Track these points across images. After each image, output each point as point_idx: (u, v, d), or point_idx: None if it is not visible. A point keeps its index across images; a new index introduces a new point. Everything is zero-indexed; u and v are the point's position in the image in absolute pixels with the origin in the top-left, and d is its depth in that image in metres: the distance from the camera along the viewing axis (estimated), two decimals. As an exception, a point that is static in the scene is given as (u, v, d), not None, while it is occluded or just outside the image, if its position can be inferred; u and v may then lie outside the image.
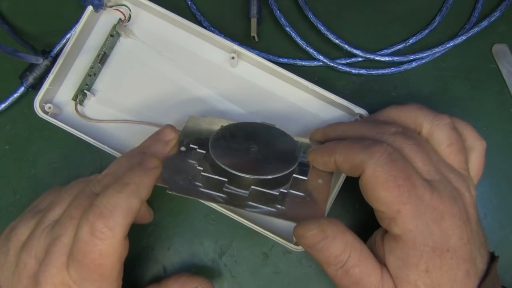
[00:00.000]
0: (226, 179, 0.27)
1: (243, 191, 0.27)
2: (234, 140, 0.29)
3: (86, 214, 0.23)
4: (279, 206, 0.27)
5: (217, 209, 0.30)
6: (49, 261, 0.23)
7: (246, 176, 0.26)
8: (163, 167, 0.27)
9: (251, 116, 0.33)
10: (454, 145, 0.26)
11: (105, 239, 0.23)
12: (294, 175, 0.28)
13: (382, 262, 0.24)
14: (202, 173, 0.28)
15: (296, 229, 0.25)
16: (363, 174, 0.24)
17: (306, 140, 0.31)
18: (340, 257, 0.24)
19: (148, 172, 0.25)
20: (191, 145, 0.29)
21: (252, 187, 0.27)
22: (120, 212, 0.23)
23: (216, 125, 0.31)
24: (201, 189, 0.27)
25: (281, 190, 0.27)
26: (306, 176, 0.28)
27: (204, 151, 0.29)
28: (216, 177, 0.27)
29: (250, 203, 0.27)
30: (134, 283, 0.31)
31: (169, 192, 0.26)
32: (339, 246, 0.24)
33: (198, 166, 0.28)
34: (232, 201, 0.27)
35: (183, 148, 0.29)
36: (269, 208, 0.27)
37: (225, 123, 0.31)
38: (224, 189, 0.27)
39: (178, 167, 0.28)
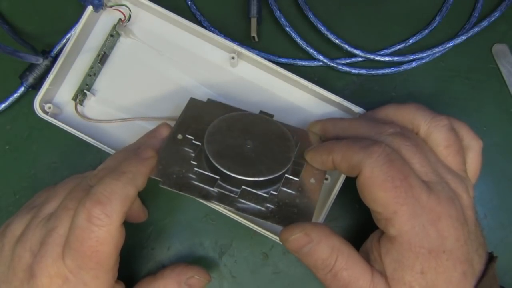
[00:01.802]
0: (218, 177, 0.27)
1: (234, 189, 0.27)
2: (230, 134, 0.28)
3: (83, 202, 0.23)
4: (268, 205, 0.27)
5: (217, 209, 0.30)
6: (44, 252, 0.23)
7: (238, 177, 0.26)
8: (158, 158, 0.27)
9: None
10: (452, 146, 0.26)
11: (102, 226, 0.23)
12: (287, 175, 0.28)
13: (377, 265, 0.24)
14: (196, 169, 0.28)
15: (281, 233, 0.25)
16: (360, 174, 0.24)
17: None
18: (327, 261, 0.24)
19: (143, 162, 0.26)
20: (187, 135, 0.29)
21: (243, 187, 0.27)
22: (117, 199, 0.23)
23: (215, 111, 0.30)
24: (194, 183, 0.27)
25: (272, 192, 0.27)
26: (298, 176, 0.28)
27: (199, 143, 0.29)
28: (209, 174, 0.27)
29: (241, 200, 0.27)
30: (133, 282, 0.31)
31: (161, 186, 0.26)
32: (325, 250, 0.24)
33: (193, 160, 0.28)
34: (223, 200, 0.27)
35: (179, 136, 0.29)
36: (259, 207, 0.27)
37: (224, 107, 0.31)
38: (216, 187, 0.27)
39: (172, 158, 0.28)
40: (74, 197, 0.25)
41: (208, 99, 0.31)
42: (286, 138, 0.29)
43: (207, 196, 0.27)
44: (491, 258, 0.25)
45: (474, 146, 0.27)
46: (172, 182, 0.27)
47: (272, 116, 0.31)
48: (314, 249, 0.24)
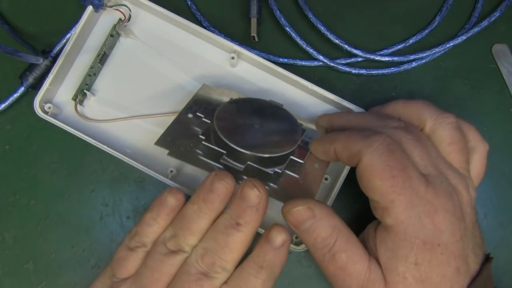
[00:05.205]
0: (225, 151, 0.28)
1: (239, 165, 0.27)
2: (239, 114, 0.29)
3: None
4: (271, 184, 0.27)
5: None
6: None
7: (244, 151, 0.27)
8: (167, 131, 0.27)
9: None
10: (455, 144, 0.26)
11: None
12: (292, 157, 0.28)
13: (373, 254, 0.24)
14: (203, 142, 0.28)
15: (284, 206, 0.25)
16: (360, 163, 0.24)
17: (312, 126, 0.31)
18: (327, 240, 0.24)
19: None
20: (198, 113, 0.30)
21: (249, 162, 0.27)
22: None
23: (226, 97, 0.31)
24: (200, 157, 0.27)
25: (276, 170, 0.27)
26: (303, 159, 0.28)
27: (209, 121, 0.29)
28: (216, 148, 0.28)
29: (244, 176, 0.27)
30: None
31: (169, 155, 0.27)
32: (326, 228, 0.24)
33: (201, 135, 0.28)
34: None
35: (190, 115, 0.30)
36: None
37: (235, 96, 0.31)
38: (222, 160, 0.27)
39: (181, 133, 0.28)
40: None
41: (220, 87, 0.32)
42: (294, 123, 0.30)
43: (212, 169, 0.27)
44: (487, 259, 0.25)
45: (480, 149, 0.27)
46: (179, 153, 0.27)
47: (281, 105, 0.31)
48: (315, 226, 0.24)
